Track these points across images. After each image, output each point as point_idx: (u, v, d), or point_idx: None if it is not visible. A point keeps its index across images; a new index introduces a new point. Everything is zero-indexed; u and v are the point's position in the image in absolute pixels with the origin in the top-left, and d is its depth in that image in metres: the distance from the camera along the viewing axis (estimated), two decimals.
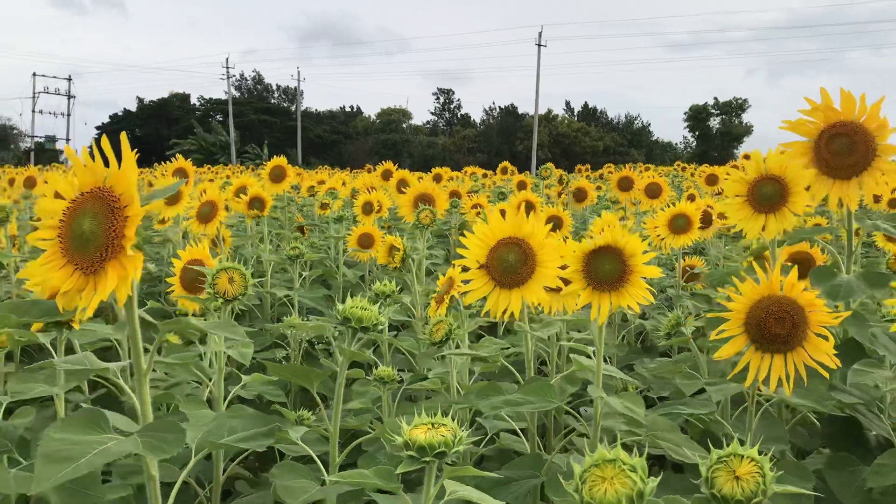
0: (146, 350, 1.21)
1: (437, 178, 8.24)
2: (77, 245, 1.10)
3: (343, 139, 72.99)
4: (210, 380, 2.10)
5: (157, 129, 75.06)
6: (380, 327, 1.47)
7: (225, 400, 2.02)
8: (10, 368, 2.36)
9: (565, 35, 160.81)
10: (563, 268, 1.68)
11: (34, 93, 74.95)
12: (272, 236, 5.20)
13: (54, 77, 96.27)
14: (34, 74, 75.89)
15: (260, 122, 73.83)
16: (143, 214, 1.06)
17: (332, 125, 79.11)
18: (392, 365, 2.54)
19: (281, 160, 5.45)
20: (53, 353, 1.77)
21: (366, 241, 4.22)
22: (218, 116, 76.00)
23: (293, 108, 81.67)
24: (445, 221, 5.65)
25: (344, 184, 7.92)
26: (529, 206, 4.96)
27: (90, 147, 1.14)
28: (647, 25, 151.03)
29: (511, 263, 1.70)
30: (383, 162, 7.35)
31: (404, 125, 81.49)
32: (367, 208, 4.67)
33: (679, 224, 3.43)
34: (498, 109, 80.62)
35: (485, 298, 1.74)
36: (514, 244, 1.72)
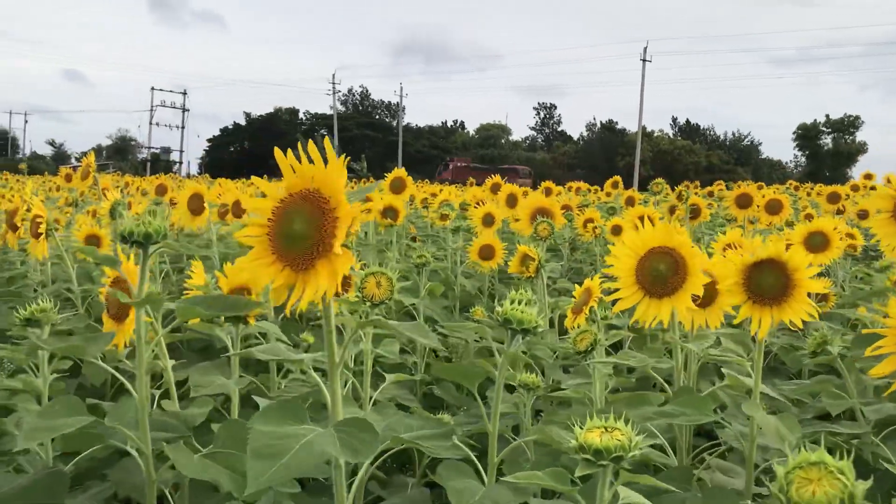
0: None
1: (548, 192, 8.22)
2: (287, 243, 1.17)
3: (442, 154, 73.76)
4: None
5: (264, 142, 77.66)
6: (539, 329, 1.49)
7: (371, 400, 2.09)
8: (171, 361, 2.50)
9: (668, 50, 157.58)
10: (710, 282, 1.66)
11: (152, 106, 79.02)
12: (383, 245, 5.32)
13: (170, 91, 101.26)
14: (152, 89, 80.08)
15: (362, 137, 75.46)
16: (353, 215, 1.12)
17: (432, 140, 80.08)
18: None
19: (401, 172, 5.58)
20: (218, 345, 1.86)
21: (487, 253, 4.27)
22: (323, 131, 78.10)
23: (394, 122, 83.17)
24: (560, 235, 5.65)
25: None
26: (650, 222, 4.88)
27: (297, 151, 1.22)
28: (752, 40, 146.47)
29: (661, 273, 1.70)
30: (492, 176, 7.38)
31: (503, 140, 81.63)
32: (488, 220, 4.72)
33: (815, 242, 3.31)
34: (599, 125, 79.78)
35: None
36: (664, 254, 1.72)
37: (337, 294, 2.44)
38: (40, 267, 4.19)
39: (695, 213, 6.17)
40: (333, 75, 73.57)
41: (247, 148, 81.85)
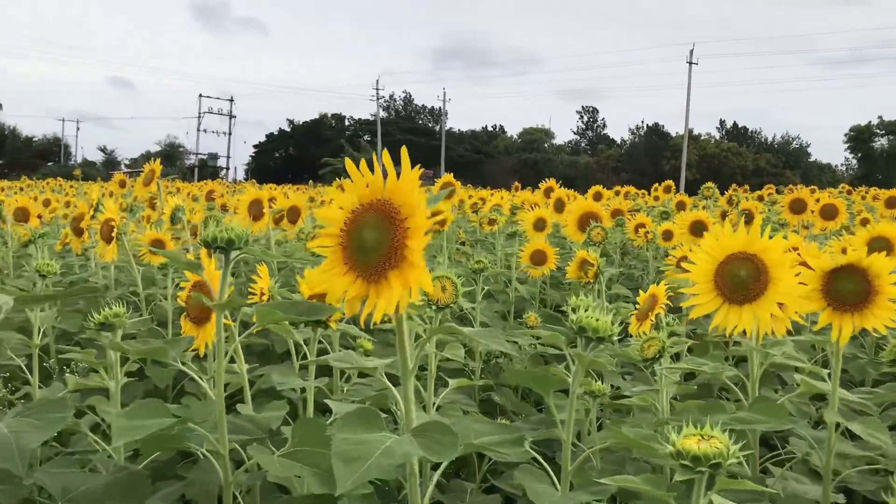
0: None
1: (598, 197, 8.16)
2: (359, 254, 1.17)
3: (484, 158, 73.66)
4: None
5: (309, 148, 78.58)
6: (614, 338, 1.48)
7: (434, 405, 2.10)
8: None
9: (714, 52, 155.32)
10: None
11: (199, 113, 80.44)
12: (433, 251, 5.33)
13: (217, 98, 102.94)
14: (200, 96, 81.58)
15: (405, 142, 75.42)
16: (427, 226, 1.11)
17: (474, 145, 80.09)
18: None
19: (448, 177, 5.59)
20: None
21: (538, 258, 4.25)
22: (366, 136, 78.71)
23: (437, 127, 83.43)
24: (611, 240, 5.60)
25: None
26: (702, 226, 4.83)
27: (370, 161, 1.22)
28: (801, 41, 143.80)
29: (742, 279, 1.68)
30: (550, 182, 7.29)
31: (546, 144, 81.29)
32: (539, 225, 4.70)
33: (878, 248, 3.22)
34: (644, 128, 79.02)
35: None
36: (745, 259, 1.69)
37: None
38: (102, 271, 4.29)
39: (748, 217, 6.07)
40: (377, 81, 74.24)
41: (292, 154, 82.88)
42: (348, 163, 1.23)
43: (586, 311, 1.56)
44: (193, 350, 1.66)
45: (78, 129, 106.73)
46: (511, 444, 1.37)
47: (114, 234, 2.95)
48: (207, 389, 1.52)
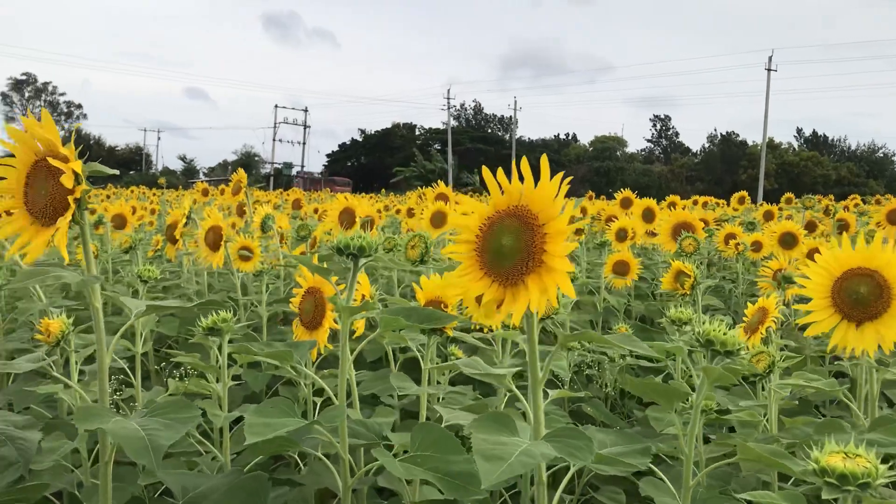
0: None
1: (672, 206, 8.02)
2: (495, 259, 1.19)
3: (555, 167, 72.34)
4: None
5: (380, 157, 79.46)
6: (742, 352, 1.45)
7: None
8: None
9: (793, 59, 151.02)
10: None
11: (275, 123, 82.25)
12: None
13: (292, 108, 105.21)
14: (276, 106, 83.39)
15: (475, 150, 75.98)
16: (566, 232, 1.12)
17: (545, 152, 79.25)
18: None
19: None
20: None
21: (621, 269, 4.21)
22: (436, 145, 79.13)
23: (506, 136, 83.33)
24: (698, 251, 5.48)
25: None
26: (793, 238, 4.70)
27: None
28: (885, 46, 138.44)
29: (862, 296, 1.62)
30: (626, 192, 7.19)
31: (618, 153, 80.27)
32: (622, 235, 4.65)
33: None
34: (719, 136, 77.28)
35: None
36: (865, 275, 1.63)
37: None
38: (196, 277, 4.42)
39: (843, 228, 5.88)
40: (448, 91, 74.58)
41: (363, 162, 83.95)
42: (485, 171, 1.25)
43: (712, 323, 1.52)
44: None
45: (159, 138, 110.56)
46: (638, 455, 1.35)
47: (222, 242, 3.03)
48: (331, 393, 1.55)
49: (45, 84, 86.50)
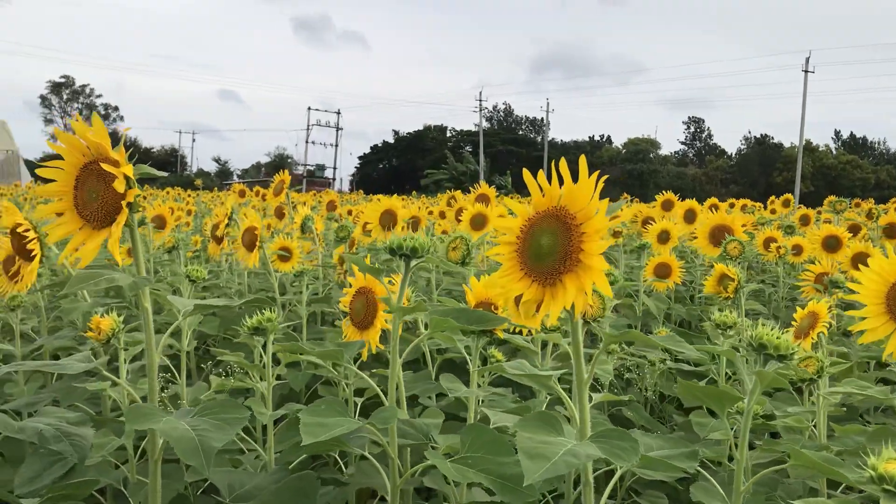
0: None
1: (714, 208, 7.93)
2: (535, 259, 1.20)
3: (589, 169, 72.17)
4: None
5: (411, 159, 79.67)
6: (795, 356, 1.43)
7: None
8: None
9: (829, 60, 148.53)
10: None
11: (308, 125, 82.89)
12: None
13: (325, 111, 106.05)
14: (309, 109, 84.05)
15: (507, 152, 75.89)
16: (603, 231, 1.12)
17: (577, 155, 78.33)
18: None
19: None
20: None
21: (663, 271, 4.17)
22: (468, 147, 79.12)
23: (538, 138, 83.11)
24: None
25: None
26: (836, 242, 4.63)
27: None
28: None
29: None
30: (668, 195, 7.11)
31: (651, 155, 79.61)
32: (663, 237, 4.60)
33: None
34: (754, 139, 76.31)
35: None
36: None
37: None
38: (237, 278, 4.47)
39: (890, 232, 5.75)
40: (480, 92, 74.53)
41: (394, 164, 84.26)
42: (526, 173, 1.27)
43: (766, 327, 1.50)
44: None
45: (194, 140, 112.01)
46: (685, 458, 1.34)
47: (257, 243, 3.06)
48: (381, 394, 1.55)
49: (83, 87, 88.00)
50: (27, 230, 2.16)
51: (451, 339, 1.63)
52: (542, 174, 1.26)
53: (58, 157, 1.43)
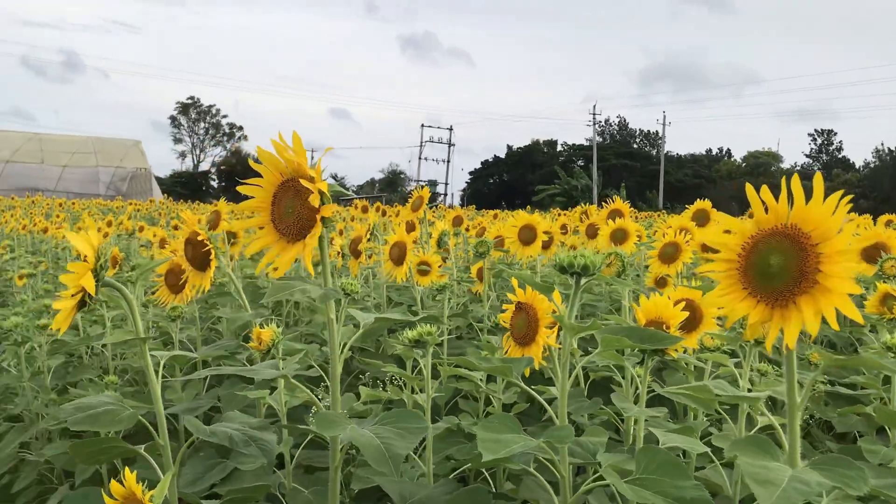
0: None
1: (888, 224, 7.54)
2: (761, 279, 1.18)
3: (705, 183, 70.42)
4: None
5: (522, 173, 79.55)
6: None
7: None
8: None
9: None
10: None
11: (421, 141, 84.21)
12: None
13: (437, 127, 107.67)
14: (422, 126, 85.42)
15: (621, 167, 74.59)
16: (847, 253, 1.08)
17: (695, 169, 77.08)
18: None
19: (705, 204, 5.42)
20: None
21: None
22: (579, 161, 78.33)
23: (653, 151, 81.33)
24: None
25: None
26: None
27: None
28: None
29: None
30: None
31: (773, 168, 76.41)
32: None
33: None
34: (887, 150, 72.05)
35: None
36: None
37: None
38: (372, 291, 4.58)
39: None
40: (594, 106, 73.76)
41: (505, 180, 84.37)
42: (749, 189, 1.23)
43: None
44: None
45: (312, 157, 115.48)
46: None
47: (407, 258, 3.14)
48: (550, 411, 1.56)
49: (210, 107, 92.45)
50: (206, 241, 2.31)
51: (619, 357, 1.62)
52: (765, 189, 1.21)
53: (256, 174, 1.52)
